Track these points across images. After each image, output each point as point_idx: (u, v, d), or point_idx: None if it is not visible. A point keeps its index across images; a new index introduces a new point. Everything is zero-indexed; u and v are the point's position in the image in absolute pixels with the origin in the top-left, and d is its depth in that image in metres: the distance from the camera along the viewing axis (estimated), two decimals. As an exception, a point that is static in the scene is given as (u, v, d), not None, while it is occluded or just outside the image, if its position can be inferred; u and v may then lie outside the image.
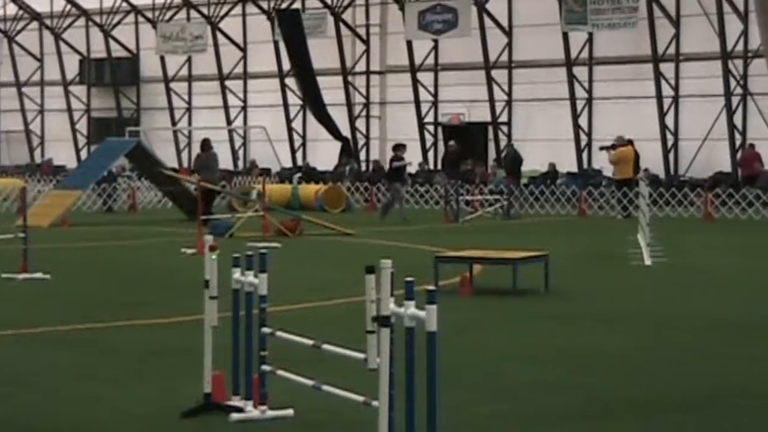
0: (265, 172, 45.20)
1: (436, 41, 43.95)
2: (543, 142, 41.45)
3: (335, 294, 14.89)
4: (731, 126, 37.98)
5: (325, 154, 45.53)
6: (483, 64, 42.59)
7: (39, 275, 16.71)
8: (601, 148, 34.87)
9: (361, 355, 6.79)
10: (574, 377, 9.83)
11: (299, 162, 47.39)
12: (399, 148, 31.53)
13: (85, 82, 54.04)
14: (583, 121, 41.11)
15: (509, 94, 42.78)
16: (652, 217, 24.23)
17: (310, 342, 7.68)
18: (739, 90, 38.13)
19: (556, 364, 10.47)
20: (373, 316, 6.58)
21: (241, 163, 49.08)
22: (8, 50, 55.50)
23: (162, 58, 50.92)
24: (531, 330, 12.53)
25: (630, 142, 34.35)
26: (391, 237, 24.60)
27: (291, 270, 17.27)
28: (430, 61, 44.37)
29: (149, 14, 51.54)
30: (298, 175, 43.40)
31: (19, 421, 8.18)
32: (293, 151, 47.90)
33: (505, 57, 42.54)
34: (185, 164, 48.39)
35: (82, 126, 54.46)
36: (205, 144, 30.28)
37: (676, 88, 39.18)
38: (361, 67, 46.71)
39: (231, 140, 49.94)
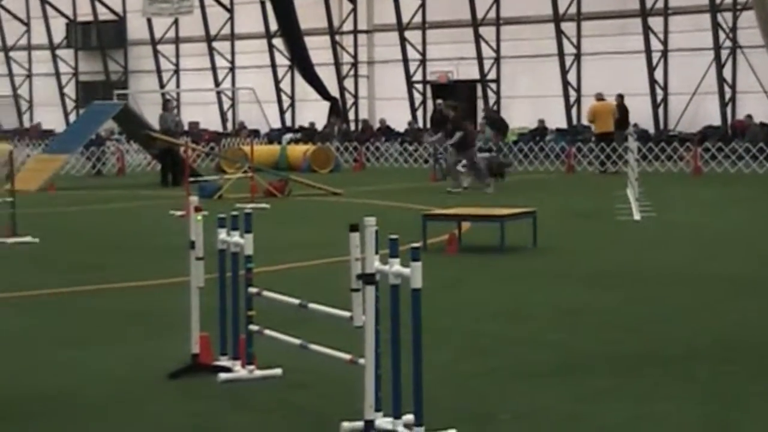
0: (254, 133, 45.14)
1: (423, -1, 43.79)
2: (531, 98, 41.38)
3: (322, 254, 14.88)
4: (720, 79, 37.93)
5: (313, 113, 45.43)
6: (471, 22, 42.43)
7: (28, 239, 16.70)
8: None
9: (346, 314, 6.81)
10: (559, 333, 9.86)
11: (288, 123, 47.31)
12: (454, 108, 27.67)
13: (72, 46, 53.75)
14: (571, 77, 41.02)
15: (497, 51, 42.66)
16: (640, 172, 24.24)
17: (296, 301, 7.69)
18: (728, 43, 38.05)
19: (541, 321, 10.50)
20: (358, 273, 6.59)
21: (229, 125, 48.97)
22: (-6, 15, 55.20)
23: (149, 21, 50.65)
24: (517, 287, 12.55)
25: (620, 97, 34.52)
26: (379, 196, 24.60)
27: (278, 230, 17.28)
28: (418, 19, 44.20)
29: (135, -24, 51.23)
30: (290, 135, 43.31)
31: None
32: (282, 112, 47.78)
33: (492, 14, 42.37)
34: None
35: (70, 90, 54.24)
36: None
37: (665, 42, 39.09)
38: (348, 26, 46.51)
39: (219, 102, 49.77)
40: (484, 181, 25.97)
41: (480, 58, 42.58)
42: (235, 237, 8.33)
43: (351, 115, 46.25)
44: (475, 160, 26.47)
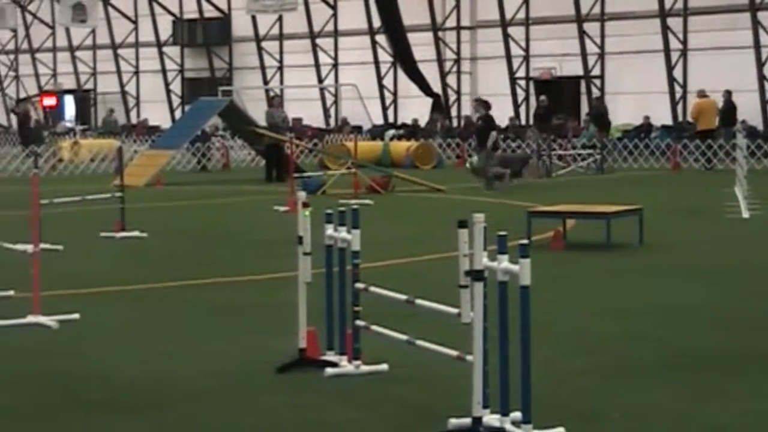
0: (357, 129, 45.32)
1: (527, -6, 43.56)
2: (636, 95, 40.93)
3: (426, 250, 14.90)
4: (832, 75, 37.17)
5: (416, 110, 45.45)
6: (575, 17, 42.12)
7: (136, 234, 16.98)
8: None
9: (454, 310, 6.80)
10: (665, 330, 9.76)
11: (390, 119, 47.42)
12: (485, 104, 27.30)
13: (179, 43, 54.52)
14: (677, 72, 40.49)
15: (601, 47, 42.27)
16: (749, 170, 23.84)
17: (403, 297, 7.70)
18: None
19: (647, 318, 10.40)
20: (466, 270, 6.58)
21: (332, 121, 49.23)
22: (104, 13, 56.12)
23: (253, 18, 51.11)
24: (623, 284, 12.44)
25: (728, 93, 34.02)
26: (482, 193, 24.54)
27: (381, 226, 17.32)
28: (521, 15, 43.98)
29: (240, -27, 51.75)
30: (392, 132, 43.39)
31: (106, 376, 8.33)
32: (384, 108, 47.89)
33: (597, 9, 42.00)
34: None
35: (176, 86, 55.00)
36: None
37: (774, 37, 38.40)
38: (451, 22, 46.47)
39: (322, 98, 50.06)
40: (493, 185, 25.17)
41: (584, 54, 42.24)
42: (343, 233, 8.38)
43: (453, 112, 46.20)
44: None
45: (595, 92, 42.11)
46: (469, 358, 6.72)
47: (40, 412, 7.36)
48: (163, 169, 29.94)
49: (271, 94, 48.21)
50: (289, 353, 8.48)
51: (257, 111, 36.87)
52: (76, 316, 10.37)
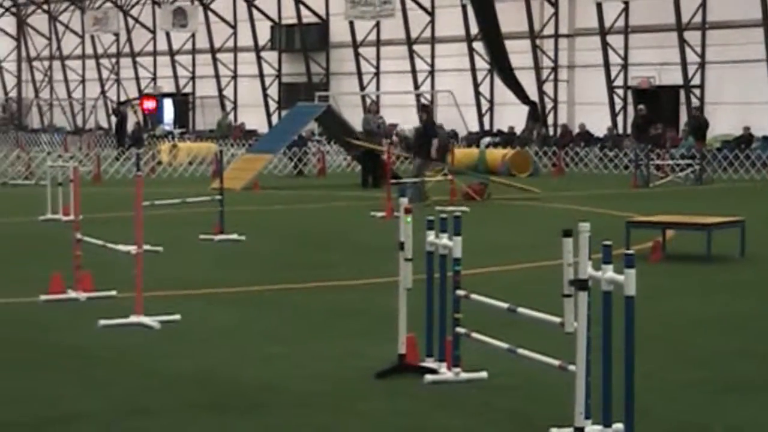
0: (453, 136, 45.27)
1: (626, 3, 43.13)
2: (736, 105, 40.30)
3: (524, 258, 14.84)
4: None
5: (512, 117, 45.29)
6: (675, 26, 41.65)
7: (234, 236, 17.14)
8: None
9: (557, 319, 6.77)
10: (771, 346, 9.60)
11: (486, 126, 47.32)
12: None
13: (277, 48, 54.97)
14: (780, 83, 39.84)
15: (702, 56, 41.73)
16: None
17: (504, 305, 7.68)
18: None
19: (750, 332, 10.24)
20: (571, 279, 6.54)
21: (428, 128, 49.20)
22: (204, 18, 56.81)
23: (351, 23, 51.35)
24: (725, 297, 12.27)
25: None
26: (578, 201, 24.36)
27: (478, 234, 17.27)
28: (620, 23, 43.61)
29: (338, -20, 52.03)
30: (488, 139, 43.28)
31: (209, 377, 8.42)
32: (480, 116, 47.81)
33: (698, 18, 41.48)
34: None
35: (273, 91, 55.45)
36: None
37: None
38: (549, 30, 46.23)
39: (418, 105, 50.09)
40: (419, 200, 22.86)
41: (684, 63, 41.73)
42: (444, 239, 8.37)
43: (550, 120, 45.96)
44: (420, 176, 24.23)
45: (695, 102, 41.57)
46: (571, 367, 6.67)
47: (145, 412, 7.46)
48: (261, 173, 30.17)
49: (368, 100, 48.38)
50: (388, 359, 8.50)
51: (353, 117, 37.01)
52: (177, 317, 10.50)
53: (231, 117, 51.68)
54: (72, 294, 11.63)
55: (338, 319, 10.85)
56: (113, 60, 62.83)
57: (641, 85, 43.30)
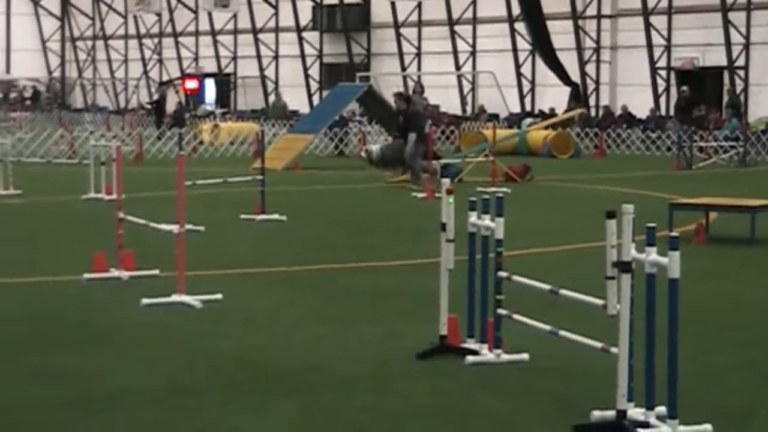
0: (494, 117, 45.17)
1: (670, -17, 42.86)
2: (782, 87, 40.00)
3: (565, 240, 14.78)
4: None
5: (553, 99, 45.11)
6: (719, 6, 41.27)
7: (275, 216, 17.17)
8: None
9: (599, 301, 6.74)
10: (817, 330, 9.52)
11: (527, 107, 47.16)
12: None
13: (318, 28, 54.97)
14: (826, 64, 39.47)
15: (747, 37, 41.35)
16: None
17: (546, 287, 7.65)
18: None
19: (797, 316, 10.15)
20: (614, 261, 6.50)
21: (469, 109, 49.13)
22: (245, -2, 56.98)
23: (392, 4, 51.26)
24: (769, 280, 12.17)
25: None
26: (620, 183, 24.24)
27: (519, 215, 17.21)
28: (664, 4, 43.27)
29: (380, -40, 51.96)
30: (530, 120, 43.12)
31: (251, 357, 8.44)
32: (522, 97, 47.64)
33: (742, -1, 41.16)
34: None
35: (314, 71, 55.47)
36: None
37: None
38: (592, 10, 45.97)
39: (460, 85, 49.99)
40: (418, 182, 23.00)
41: (728, 44, 41.37)
42: (486, 220, 8.35)
43: (592, 101, 45.72)
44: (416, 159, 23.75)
45: (739, 83, 41.22)
46: (613, 350, 6.64)
47: (187, 391, 7.50)
48: (302, 153, 30.20)
49: (410, 81, 48.35)
50: (430, 339, 8.49)
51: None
52: (219, 296, 10.54)
53: (284, 99, 51.61)
54: (115, 273, 11.71)
55: (379, 299, 10.85)
56: (155, 40, 63.09)
57: (684, 66, 42.99)
